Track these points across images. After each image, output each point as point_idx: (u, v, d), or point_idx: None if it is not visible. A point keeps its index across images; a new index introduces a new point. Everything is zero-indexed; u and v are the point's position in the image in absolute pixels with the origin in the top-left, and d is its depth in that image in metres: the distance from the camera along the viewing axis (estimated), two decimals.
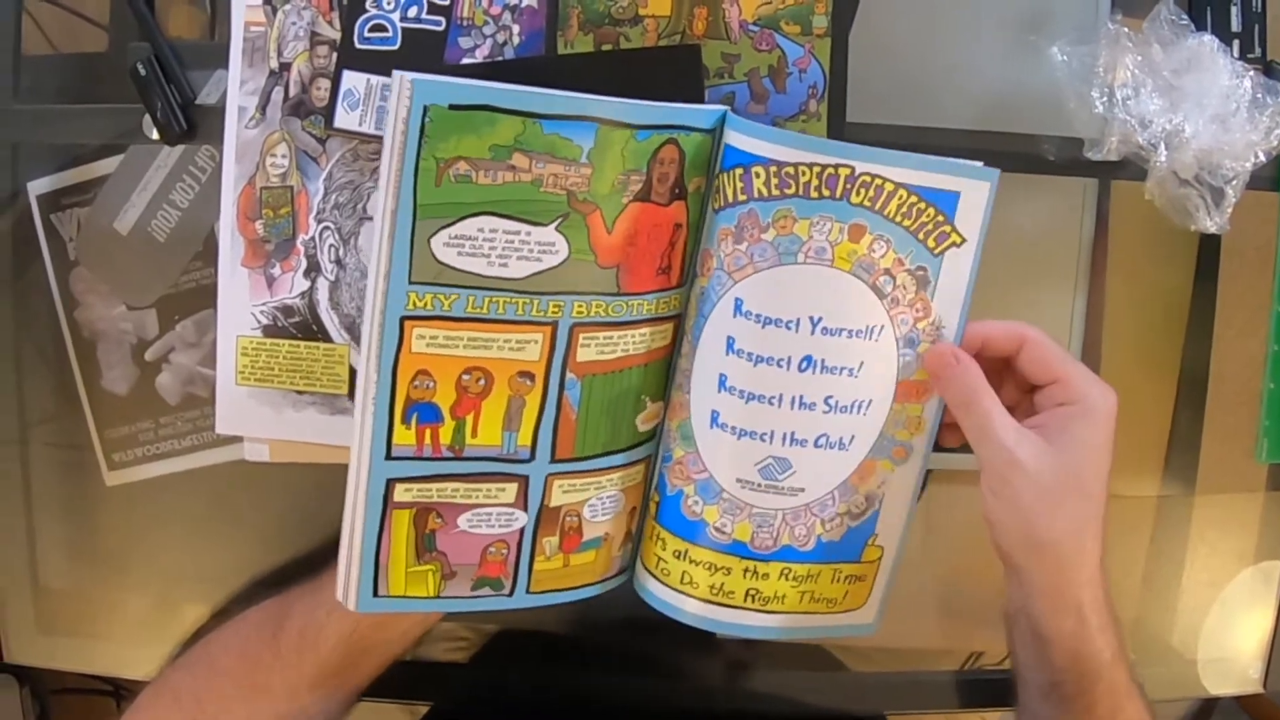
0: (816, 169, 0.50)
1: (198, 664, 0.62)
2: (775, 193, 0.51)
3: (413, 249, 0.48)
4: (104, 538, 0.67)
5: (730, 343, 0.53)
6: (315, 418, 0.62)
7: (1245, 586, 0.70)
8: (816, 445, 0.54)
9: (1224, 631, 0.71)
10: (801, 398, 0.53)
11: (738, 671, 0.68)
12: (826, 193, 0.50)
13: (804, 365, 0.52)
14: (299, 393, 0.62)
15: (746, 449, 0.54)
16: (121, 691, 0.87)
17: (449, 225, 0.48)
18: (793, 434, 0.54)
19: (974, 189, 0.52)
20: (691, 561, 0.56)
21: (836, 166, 0.50)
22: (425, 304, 0.49)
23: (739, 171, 0.51)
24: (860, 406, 0.54)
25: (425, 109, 0.46)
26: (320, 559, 0.64)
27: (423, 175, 0.47)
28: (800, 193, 0.50)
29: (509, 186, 0.48)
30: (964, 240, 0.53)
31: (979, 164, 0.52)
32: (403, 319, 0.49)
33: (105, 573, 0.68)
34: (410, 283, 0.48)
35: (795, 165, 0.50)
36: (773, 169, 0.50)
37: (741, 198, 0.51)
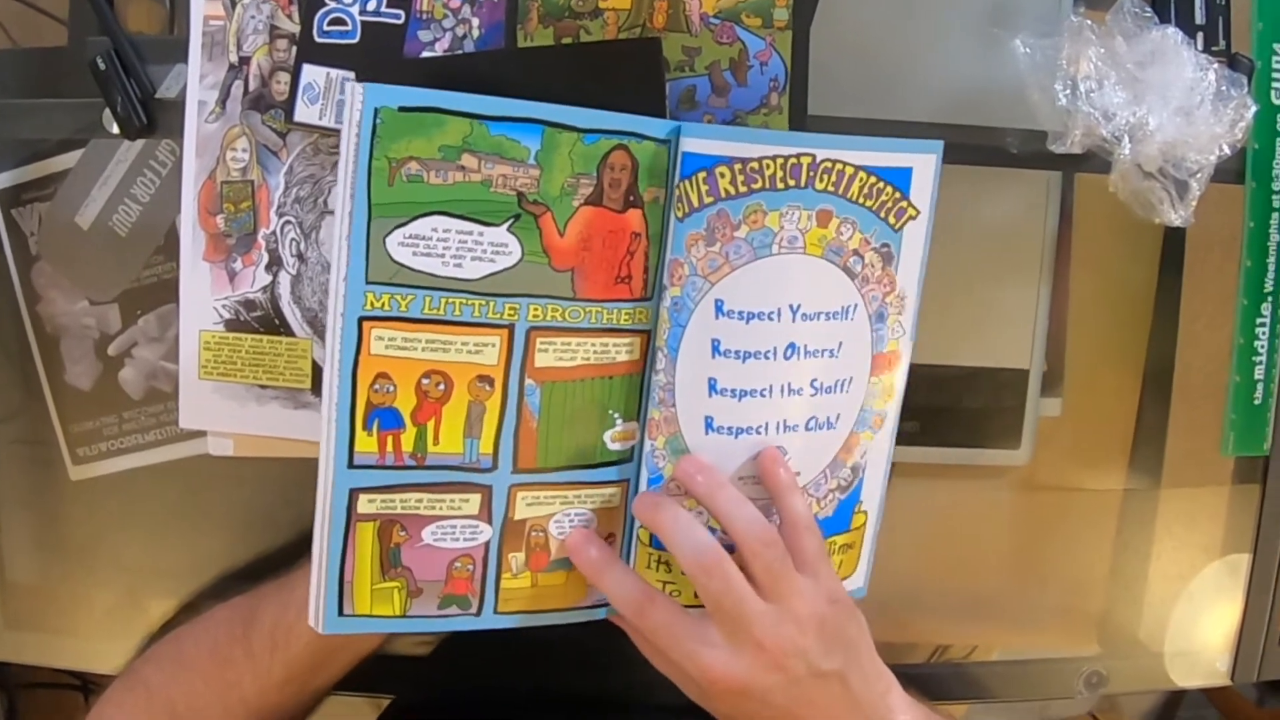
0: (780, 160, 0.51)
1: (167, 660, 0.62)
2: (743, 189, 0.51)
3: (369, 248, 0.48)
4: (70, 532, 0.67)
5: (715, 345, 0.53)
6: (279, 412, 0.62)
7: (1212, 579, 0.70)
8: (808, 429, 0.55)
9: (1191, 624, 0.71)
10: (789, 385, 0.54)
11: None
12: (792, 182, 0.52)
13: (788, 353, 0.53)
14: (262, 387, 0.62)
15: (744, 446, 0.54)
16: (89, 686, 0.87)
17: (403, 225, 0.49)
18: (784, 421, 0.54)
19: (924, 162, 0.54)
20: None
21: (799, 155, 0.51)
22: (383, 304, 0.49)
23: (701, 175, 0.51)
24: (843, 385, 0.55)
25: (376, 111, 0.47)
26: (288, 554, 0.64)
27: (375, 175, 0.48)
28: (767, 185, 0.51)
29: (460, 186, 0.49)
30: (919, 213, 0.55)
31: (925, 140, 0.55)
32: (361, 319, 0.49)
33: (71, 567, 0.68)
34: (367, 282, 0.49)
35: (759, 159, 0.51)
36: (737, 166, 0.51)
37: (708, 200, 0.52)
